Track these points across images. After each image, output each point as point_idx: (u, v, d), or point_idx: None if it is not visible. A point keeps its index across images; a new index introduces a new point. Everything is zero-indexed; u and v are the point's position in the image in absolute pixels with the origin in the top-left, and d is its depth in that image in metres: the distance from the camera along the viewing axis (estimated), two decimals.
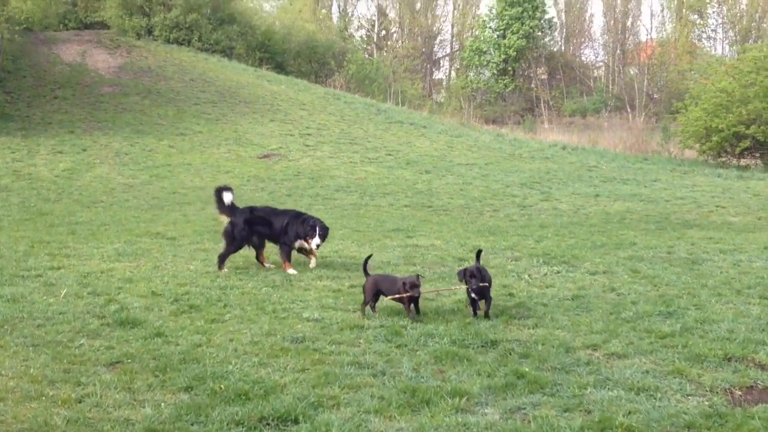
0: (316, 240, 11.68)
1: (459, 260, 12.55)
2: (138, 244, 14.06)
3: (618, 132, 49.96)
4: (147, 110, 33.97)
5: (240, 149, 29.39)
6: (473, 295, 8.91)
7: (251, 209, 12.36)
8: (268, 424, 5.99)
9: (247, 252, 13.05)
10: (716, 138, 30.03)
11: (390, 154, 29.49)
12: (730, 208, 19.26)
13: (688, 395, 6.39)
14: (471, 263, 9.75)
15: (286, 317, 9.11)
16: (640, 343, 7.81)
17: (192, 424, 5.98)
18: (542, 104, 67.80)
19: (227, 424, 5.95)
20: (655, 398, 6.32)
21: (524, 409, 6.22)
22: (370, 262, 9.76)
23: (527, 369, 7.01)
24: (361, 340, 8.19)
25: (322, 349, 7.86)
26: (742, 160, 32.69)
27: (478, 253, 9.97)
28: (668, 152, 36.60)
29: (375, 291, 9.13)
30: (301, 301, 9.90)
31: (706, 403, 6.19)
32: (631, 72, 74.03)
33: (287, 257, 11.82)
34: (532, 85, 72.15)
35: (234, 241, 11.94)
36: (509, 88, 69.89)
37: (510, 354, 7.54)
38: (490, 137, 35.49)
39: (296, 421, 6.02)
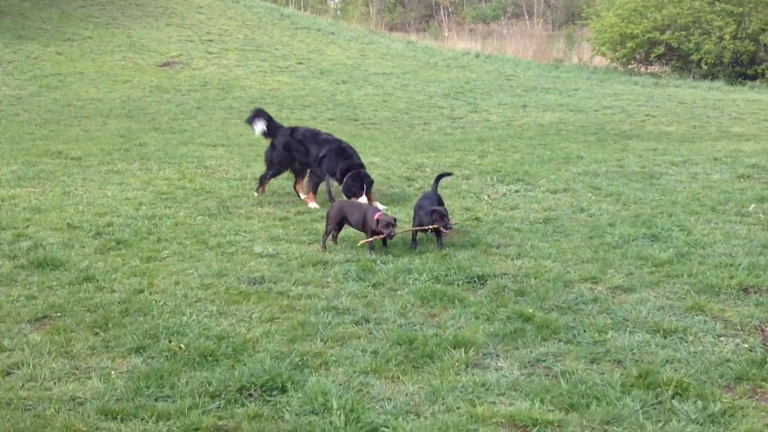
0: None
1: (406, 180, 11.57)
2: (39, 165, 12.42)
3: (520, 40, 49.40)
4: (28, 13, 30.82)
5: (136, 56, 27.08)
6: (444, 230, 7.95)
7: (291, 130, 10.77)
8: (251, 395, 4.95)
9: (173, 173, 11.68)
10: (631, 44, 29.71)
11: (301, 63, 27.86)
12: (661, 117, 18.91)
13: (719, 336, 5.69)
14: (427, 188, 8.84)
15: (235, 252, 7.96)
16: (640, 273, 7.09)
17: (156, 400, 4.87)
18: (441, 10, 66.38)
19: (200, 397, 4.86)
20: (686, 341, 5.59)
21: (544, 361, 5.38)
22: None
23: (531, 310, 6.16)
24: (329, 279, 7.16)
25: (287, 291, 6.80)
26: (650, 67, 32.67)
27: (439, 177, 8.99)
28: (578, 59, 36.27)
29: (339, 219, 8.05)
30: (245, 232, 8.73)
31: (745, 345, 5.49)
32: None
33: (314, 188, 10.34)
34: None
35: (272, 165, 10.71)
36: None
37: (503, 291, 6.68)
38: (401, 45, 34.11)
39: (284, 389, 4.99)
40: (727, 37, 27.43)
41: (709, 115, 18.92)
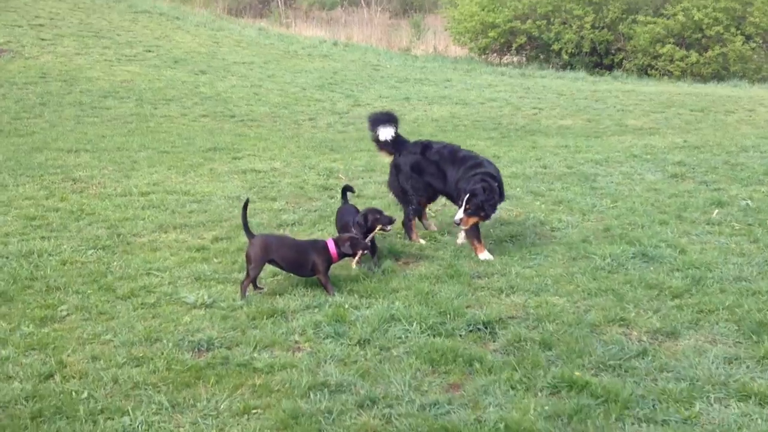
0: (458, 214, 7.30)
1: (323, 189, 10.05)
2: None
3: (363, 28, 48.44)
4: None
5: None
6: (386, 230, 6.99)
7: (423, 147, 8.07)
8: None
9: (36, 190, 9.54)
10: (492, 34, 29.30)
11: (150, 51, 25.31)
12: (549, 110, 18.33)
13: None
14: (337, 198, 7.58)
15: (157, 303, 6.21)
16: (667, 308, 6.05)
17: None
18: None
19: None
20: None
21: None
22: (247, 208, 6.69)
23: (578, 373, 4.89)
24: (297, 338, 5.60)
25: (250, 362, 5.18)
26: (504, 57, 32.54)
27: (345, 190, 7.77)
28: (433, 49, 35.69)
29: (264, 260, 6.41)
30: (159, 270, 6.96)
31: None
32: None
33: (476, 234, 7.42)
34: None
35: (406, 197, 8.11)
36: None
37: (524, 344, 5.38)
38: (253, 31, 32.07)
39: None
40: (587, 26, 27.57)
41: (594, 107, 18.56)
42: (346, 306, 6.06)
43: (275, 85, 20.83)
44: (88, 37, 26.14)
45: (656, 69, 26.67)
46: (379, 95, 19.84)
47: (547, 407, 4.55)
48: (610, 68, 28.29)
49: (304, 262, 6.41)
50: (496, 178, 7.41)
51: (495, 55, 32.00)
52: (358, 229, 6.94)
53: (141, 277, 6.78)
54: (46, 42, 24.94)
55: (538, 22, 28.60)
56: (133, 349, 5.34)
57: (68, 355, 5.24)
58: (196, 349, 5.38)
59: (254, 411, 4.58)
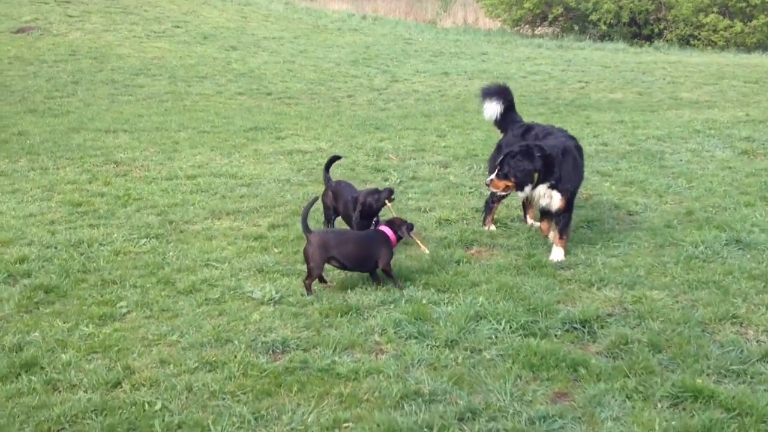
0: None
1: (376, 171, 9.56)
2: None
3: (388, 1, 47.60)
4: None
5: None
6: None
7: (525, 129, 7.24)
8: None
9: (78, 174, 9.13)
10: (528, 5, 28.52)
11: (178, 26, 24.85)
12: (595, 83, 17.68)
13: None
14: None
15: (222, 299, 5.77)
16: None
17: None
18: None
19: None
20: None
21: None
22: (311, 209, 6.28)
23: (700, 381, 4.40)
24: (377, 338, 5.13)
25: (332, 367, 4.73)
26: (538, 29, 31.72)
27: (330, 162, 7.33)
28: (462, 21, 34.89)
29: (324, 258, 5.88)
30: (218, 261, 6.53)
31: None
32: None
33: (566, 225, 6.69)
34: None
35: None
36: None
37: (631, 347, 4.89)
38: (280, 6, 31.49)
39: None
40: None
41: (643, 80, 17.88)
42: (424, 301, 5.57)
43: (308, 61, 20.29)
44: (115, 13, 25.72)
45: (699, 39, 25.82)
46: (416, 70, 19.25)
47: (673, 422, 4.06)
48: (649, 39, 27.43)
49: (368, 257, 5.91)
50: (548, 150, 6.47)
51: (528, 26, 31.20)
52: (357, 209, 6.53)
53: (200, 268, 6.35)
54: (74, 18, 24.57)
55: None
56: (204, 351, 4.91)
57: (134, 359, 4.82)
58: (271, 351, 4.94)
59: (345, 424, 4.14)
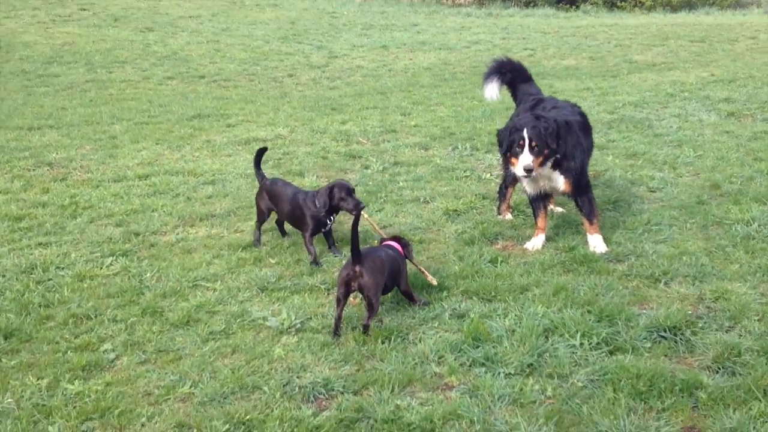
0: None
1: (349, 157, 8.61)
2: None
3: None
4: None
5: None
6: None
7: (535, 102, 6.34)
8: None
9: (8, 182, 7.85)
10: None
11: (85, 9, 23.06)
12: (541, 50, 17.01)
13: None
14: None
15: (229, 330, 4.75)
16: None
17: None
18: None
19: None
20: None
21: None
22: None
23: None
24: (436, 368, 4.24)
25: (401, 417, 3.82)
26: None
27: (260, 154, 6.41)
28: None
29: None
30: (206, 281, 5.48)
31: None
32: None
33: (591, 207, 5.85)
34: None
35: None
36: None
37: (742, 358, 4.15)
38: None
39: None
40: None
41: (589, 44, 17.34)
42: (472, 315, 4.68)
43: (234, 40, 18.97)
44: None
45: (625, 1, 25.55)
46: (352, 45, 18.20)
47: None
48: (574, 3, 27.02)
49: (396, 277, 4.90)
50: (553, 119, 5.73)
51: None
52: (321, 207, 5.68)
53: (189, 291, 5.30)
54: None
55: None
56: (229, 406, 3.91)
57: (144, 425, 3.77)
58: (312, 398, 3.98)
59: None
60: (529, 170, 5.45)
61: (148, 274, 5.59)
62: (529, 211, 6.60)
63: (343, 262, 5.53)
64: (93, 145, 9.49)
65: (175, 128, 10.37)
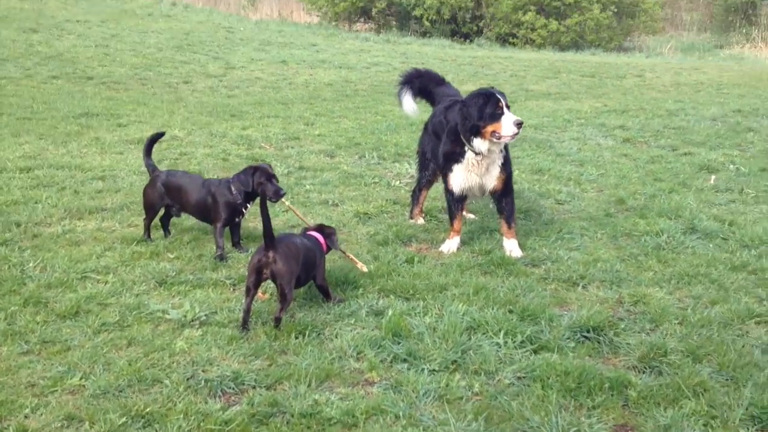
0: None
1: (251, 160, 8.24)
2: None
3: None
4: None
5: None
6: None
7: (449, 104, 5.90)
8: None
9: None
10: None
11: None
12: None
13: None
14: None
15: (124, 322, 4.33)
16: None
17: None
18: None
19: None
20: None
21: None
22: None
23: None
24: (355, 364, 3.96)
25: (320, 411, 3.53)
26: (355, 25, 31.09)
27: (152, 141, 5.93)
28: (279, 14, 33.64)
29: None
30: (97, 272, 5.01)
31: None
32: None
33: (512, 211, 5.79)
34: None
35: (422, 162, 6.47)
36: None
37: (667, 358, 4.06)
38: None
39: None
40: None
41: (485, 73, 17.59)
42: (394, 312, 4.42)
43: (125, 45, 18.21)
44: None
45: (517, 37, 26.22)
46: (251, 58, 17.81)
47: None
48: (467, 37, 27.56)
49: (311, 269, 4.59)
50: None
51: (346, 22, 30.43)
52: (240, 192, 5.34)
53: (77, 283, 4.81)
54: None
55: None
56: (126, 399, 3.49)
57: (29, 418, 3.31)
58: (220, 393, 3.61)
59: None
60: (520, 124, 5.29)
61: (30, 264, 5.06)
62: (441, 216, 6.46)
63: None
64: None
65: (61, 125, 9.71)
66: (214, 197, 5.39)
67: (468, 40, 27.05)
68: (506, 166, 5.67)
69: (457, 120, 5.53)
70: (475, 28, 27.99)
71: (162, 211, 5.73)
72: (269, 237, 4.21)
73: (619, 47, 27.00)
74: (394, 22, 29.40)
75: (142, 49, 17.94)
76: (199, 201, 5.46)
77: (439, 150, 5.79)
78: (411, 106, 6.72)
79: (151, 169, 5.77)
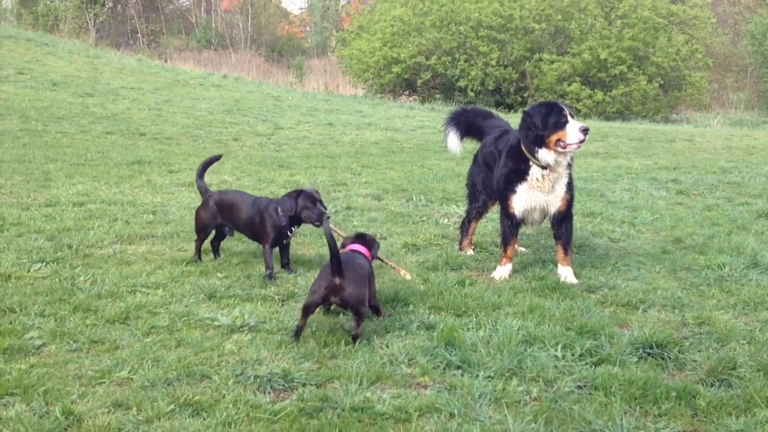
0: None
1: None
2: None
3: (239, 70, 46.87)
4: None
5: None
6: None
7: (501, 133, 6.02)
8: None
9: None
10: (397, 69, 28.18)
11: (22, 73, 22.52)
12: None
13: None
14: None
15: (173, 326, 4.27)
16: None
17: None
18: (140, 38, 61.26)
19: None
20: None
21: None
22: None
23: None
24: (406, 369, 3.82)
25: (372, 406, 3.39)
26: (400, 98, 31.53)
27: (205, 166, 5.97)
28: (325, 87, 34.35)
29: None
30: (147, 287, 4.99)
31: None
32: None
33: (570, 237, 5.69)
34: (127, 15, 64.85)
35: (472, 194, 6.48)
36: (100, 18, 61.69)
37: (736, 372, 3.86)
38: (132, 61, 29.71)
39: None
40: (492, 63, 26.96)
41: None
42: (446, 325, 4.29)
43: (177, 109, 18.66)
44: None
45: None
46: (299, 121, 18.10)
47: None
48: (510, 107, 27.77)
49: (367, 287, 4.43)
50: None
51: (391, 95, 30.90)
52: (285, 215, 5.27)
53: (127, 295, 4.77)
54: None
55: (443, 59, 27.77)
56: (175, 390, 3.39)
57: (76, 403, 3.23)
58: (270, 389, 3.50)
59: None
60: (586, 131, 5.23)
61: (81, 278, 5.05)
62: (492, 249, 6.34)
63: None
64: (23, 177, 8.92)
65: (114, 170, 9.87)
66: (261, 217, 5.37)
67: (513, 111, 27.24)
68: (570, 187, 5.58)
69: (518, 137, 5.46)
70: (519, 99, 28.19)
71: (213, 233, 5.72)
72: (336, 262, 4.10)
73: (665, 119, 26.95)
74: (438, 95, 29.78)
75: (193, 112, 18.36)
76: (248, 219, 5.45)
77: (496, 175, 5.70)
78: (455, 143, 6.69)
79: (203, 190, 5.79)
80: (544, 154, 5.29)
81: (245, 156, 12.14)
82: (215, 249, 5.78)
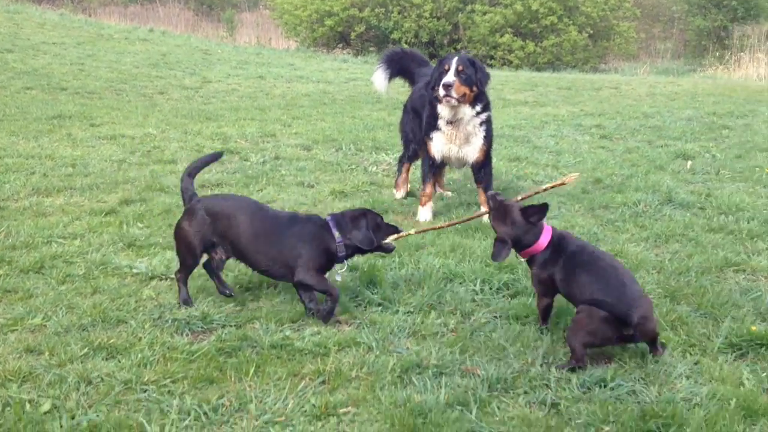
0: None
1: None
2: None
3: (166, 24, 45.75)
4: None
5: None
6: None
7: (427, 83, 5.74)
8: None
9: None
10: (330, 22, 27.81)
11: None
12: None
13: None
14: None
15: (90, 275, 4.23)
16: (760, 249, 4.85)
17: None
18: None
19: None
20: None
21: None
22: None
23: (755, 329, 3.59)
24: None
25: (291, 344, 3.44)
26: (334, 51, 31.21)
27: (202, 163, 4.25)
28: (257, 41, 33.77)
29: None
30: (63, 238, 4.90)
31: None
32: None
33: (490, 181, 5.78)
34: None
35: (405, 140, 6.51)
36: None
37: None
38: (54, 15, 28.72)
39: None
40: (426, 15, 26.82)
41: None
42: (367, 265, 4.33)
43: (101, 63, 18.11)
44: None
45: (495, 59, 26.45)
46: (228, 74, 17.78)
47: (764, 374, 3.15)
48: None
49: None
50: None
51: (324, 48, 30.55)
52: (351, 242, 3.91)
53: (43, 245, 4.67)
54: None
55: (376, 11, 27.52)
56: (89, 335, 3.35)
57: None
58: (188, 331, 3.49)
59: (344, 410, 2.82)
60: (448, 86, 5.17)
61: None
62: (418, 194, 6.38)
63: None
64: None
65: (33, 125, 9.57)
66: (303, 242, 4.70)
67: None
68: (488, 139, 5.61)
69: None
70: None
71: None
72: None
73: (594, 69, 27.29)
74: (372, 47, 29.56)
75: (118, 66, 17.85)
76: (270, 243, 5.06)
77: (423, 119, 5.73)
78: (382, 81, 6.66)
79: (188, 195, 3.95)
80: (441, 109, 5.35)
81: (171, 109, 11.89)
82: (218, 278, 3.98)
